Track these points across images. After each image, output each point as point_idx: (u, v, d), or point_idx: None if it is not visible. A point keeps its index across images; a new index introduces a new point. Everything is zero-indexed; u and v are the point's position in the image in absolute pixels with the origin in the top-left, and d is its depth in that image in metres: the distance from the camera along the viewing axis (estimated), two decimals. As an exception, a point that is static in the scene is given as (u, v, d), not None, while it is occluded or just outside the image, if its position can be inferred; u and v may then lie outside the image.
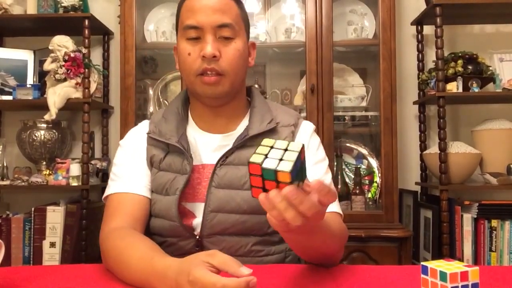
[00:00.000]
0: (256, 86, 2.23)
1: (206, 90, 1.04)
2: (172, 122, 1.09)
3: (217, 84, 1.02)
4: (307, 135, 1.12)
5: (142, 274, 0.80)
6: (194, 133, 1.11)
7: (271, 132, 1.06)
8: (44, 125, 2.33)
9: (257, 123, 1.07)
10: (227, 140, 1.08)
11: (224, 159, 1.04)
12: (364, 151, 2.36)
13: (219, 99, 1.06)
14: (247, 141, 1.05)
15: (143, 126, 1.15)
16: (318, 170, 1.08)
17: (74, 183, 2.19)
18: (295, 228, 0.68)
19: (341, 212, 1.06)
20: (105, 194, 1.08)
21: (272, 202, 0.65)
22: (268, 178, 0.64)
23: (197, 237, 1.02)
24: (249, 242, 1.03)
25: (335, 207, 1.04)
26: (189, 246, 1.03)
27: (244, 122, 1.11)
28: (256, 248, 1.04)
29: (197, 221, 1.03)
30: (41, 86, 2.34)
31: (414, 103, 2.44)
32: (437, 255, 2.10)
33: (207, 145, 1.09)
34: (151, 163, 1.08)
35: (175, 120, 1.09)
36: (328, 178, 1.10)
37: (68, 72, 2.20)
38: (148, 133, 1.10)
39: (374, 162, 2.32)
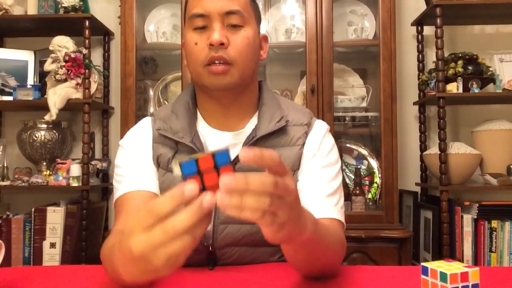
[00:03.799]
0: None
1: (213, 81, 0.96)
2: (184, 119, 1.01)
3: (225, 74, 0.95)
4: (320, 135, 1.05)
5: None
6: (204, 131, 1.03)
7: (281, 132, 1.00)
8: (44, 126, 2.33)
9: (266, 123, 1.00)
10: (237, 139, 1.02)
11: (233, 166, 0.95)
12: (364, 151, 2.36)
13: (228, 91, 0.99)
14: (256, 143, 0.98)
15: (145, 124, 1.08)
16: (326, 174, 1.01)
17: (74, 183, 2.19)
18: (286, 224, 0.58)
19: (341, 219, 0.98)
20: (114, 198, 1.01)
21: (226, 203, 0.53)
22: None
23: (210, 248, 0.98)
24: (262, 254, 0.99)
25: (334, 213, 0.97)
26: (201, 257, 0.98)
27: (253, 121, 1.04)
28: (271, 260, 1.01)
29: (208, 230, 0.97)
30: (41, 87, 2.34)
31: (414, 103, 2.44)
32: (437, 256, 2.10)
33: (217, 145, 1.01)
34: (157, 162, 1.01)
35: (187, 117, 1.02)
36: (335, 184, 1.02)
37: (69, 72, 2.20)
38: (158, 129, 1.02)
39: (374, 163, 2.32)
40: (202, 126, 1.04)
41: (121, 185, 1.00)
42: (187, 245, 0.54)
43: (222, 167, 0.55)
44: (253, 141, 0.98)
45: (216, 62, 0.95)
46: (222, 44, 0.94)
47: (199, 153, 0.59)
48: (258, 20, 1.05)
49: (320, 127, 1.07)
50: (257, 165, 0.55)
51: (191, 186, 0.54)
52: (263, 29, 2.32)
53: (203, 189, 0.55)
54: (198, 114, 1.06)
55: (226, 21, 0.96)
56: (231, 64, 0.96)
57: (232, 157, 0.97)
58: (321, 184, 1.00)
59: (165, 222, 0.54)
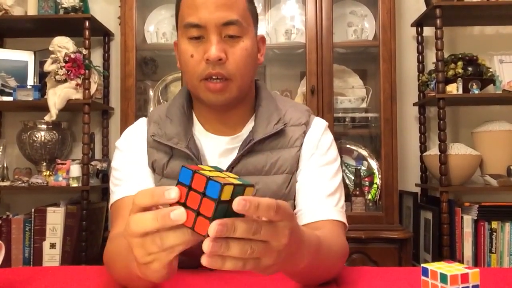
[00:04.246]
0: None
1: (210, 97, 0.93)
2: (179, 124, 0.98)
3: (223, 91, 0.91)
4: (318, 134, 1.02)
5: (124, 264, 0.69)
6: (200, 136, 1.01)
7: (278, 134, 0.97)
8: (44, 126, 2.33)
9: (263, 125, 0.97)
10: (234, 143, 0.99)
11: (230, 171, 0.95)
12: (364, 152, 2.36)
13: (225, 106, 0.96)
14: (254, 146, 0.96)
15: (141, 126, 1.05)
16: (325, 172, 0.99)
17: (74, 184, 2.19)
18: (282, 262, 0.58)
19: (343, 220, 0.95)
20: (111, 202, 0.99)
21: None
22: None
23: None
24: None
25: (335, 214, 0.95)
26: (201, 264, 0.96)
27: (251, 123, 1.01)
28: None
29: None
30: (41, 87, 2.34)
31: (414, 104, 2.44)
32: (437, 257, 2.10)
33: (213, 149, 0.99)
34: (153, 167, 0.99)
35: (182, 122, 0.99)
36: (335, 182, 1.00)
37: (69, 73, 2.20)
38: (152, 136, 0.99)
39: (374, 164, 2.32)
40: (198, 130, 1.02)
41: (118, 189, 0.98)
42: (155, 248, 0.54)
43: (206, 199, 0.52)
44: (249, 145, 0.95)
45: (214, 77, 0.91)
46: (220, 59, 0.89)
47: (208, 166, 0.57)
48: (256, 22, 1.00)
49: (318, 125, 1.04)
50: (254, 215, 0.54)
51: (174, 193, 0.53)
52: (263, 30, 2.32)
53: (184, 203, 0.53)
54: (194, 117, 1.03)
55: (223, 32, 0.91)
56: (229, 79, 0.91)
57: (229, 162, 0.97)
58: (320, 183, 0.98)
59: (133, 216, 0.55)
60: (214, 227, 0.50)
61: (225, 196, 0.51)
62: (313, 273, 0.75)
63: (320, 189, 0.97)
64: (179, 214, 0.52)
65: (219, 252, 0.52)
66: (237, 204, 0.51)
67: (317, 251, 0.68)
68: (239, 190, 0.52)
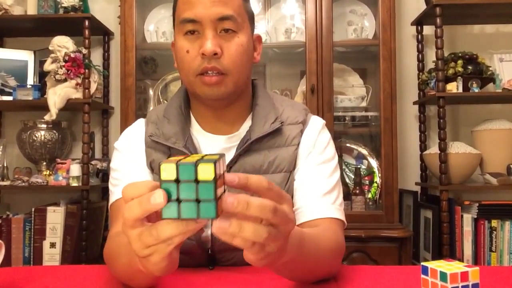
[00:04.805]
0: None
1: (206, 92, 0.93)
2: (177, 124, 0.99)
3: (219, 85, 0.92)
4: (315, 132, 1.03)
5: (127, 259, 0.70)
6: (198, 135, 1.02)
7: (275, 132, 0.98)
8: (44, 126, 2.33)
9: (260, 124, 0.98)
10: (231, 142, 1.00)
11: (228, 170, 0.94)
12: (364, 151, 2.36)
13: (222, 101, 0.96)
14: (251, 146, 0.96)
15: (139, 127, 1.06)
16: (323, 171, 1.00)
17: (74, 183, 2.19)
18: (278, 252, 0.57)
19: (341, 218, 0.95)
20: (110, 202, 1.00)
21: (223, 229, 0.51)
22: (186, 178, 0.50)
23: (209, 252, 0.96)
24: None
25: (332, 212, 0.95)
26: (201, 260, 0.96)
27: (248, 122, 1.02)
28: None
29: (206, 235, 0.95)
30: (41, 87, 2.34)
31: (414, 103, 2.45)
32: (437, 255, 2.10)
33: (211, 148, 1.00)
34: (151, 168, 1.00)
35: (180, 122, 0.99)
36: (332, 180, 0.99)
37: (68, 72, 2.20)
38: (150, 136, 1.00)
39: (374, 162, 2.32)
40: (196, 130, 1.02)
41: (117, 189, 0.99)
42: (152, 241, 0.53)
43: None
44: (247, 144, 0.96)
45: (209, 72, 0.91)
46: (215, 54, 0.90)
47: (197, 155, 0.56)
48: (252, 21, 1.00)
49: (315, 123, 1.05)
50: (243, 190, 0.54)
51: (159, 197, 0.52)
52: (263, 29, 2.32)
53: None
54: (192, 117, 1.04)
55: (219, 27, 0.92)
56: (225, 74, 0.92)
57: (227, 161, 0.96)
58: (318, 182, 0.98)
59: (126, 205, 0.54)
60: (226, 199, 0.50)
61: (206, 174, 0.49)
62: (299, 269, 0.74)
63: (317, 188, 0.97)
64: (157, 197, 0.51)
65: (230, 231, 0.51)
66: (228, 180, 0.52)
67: (300, 246, 0.67)
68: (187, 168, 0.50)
